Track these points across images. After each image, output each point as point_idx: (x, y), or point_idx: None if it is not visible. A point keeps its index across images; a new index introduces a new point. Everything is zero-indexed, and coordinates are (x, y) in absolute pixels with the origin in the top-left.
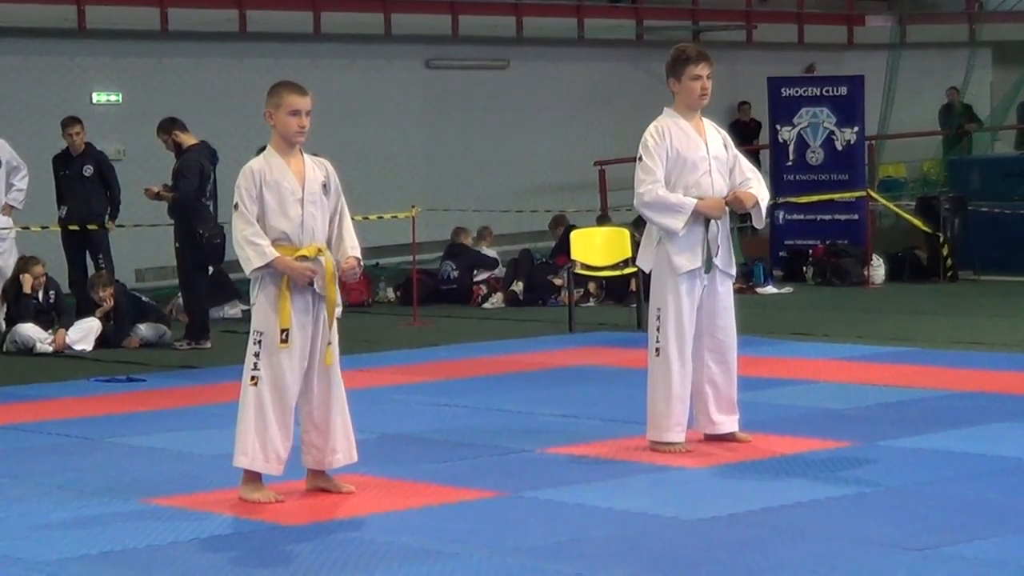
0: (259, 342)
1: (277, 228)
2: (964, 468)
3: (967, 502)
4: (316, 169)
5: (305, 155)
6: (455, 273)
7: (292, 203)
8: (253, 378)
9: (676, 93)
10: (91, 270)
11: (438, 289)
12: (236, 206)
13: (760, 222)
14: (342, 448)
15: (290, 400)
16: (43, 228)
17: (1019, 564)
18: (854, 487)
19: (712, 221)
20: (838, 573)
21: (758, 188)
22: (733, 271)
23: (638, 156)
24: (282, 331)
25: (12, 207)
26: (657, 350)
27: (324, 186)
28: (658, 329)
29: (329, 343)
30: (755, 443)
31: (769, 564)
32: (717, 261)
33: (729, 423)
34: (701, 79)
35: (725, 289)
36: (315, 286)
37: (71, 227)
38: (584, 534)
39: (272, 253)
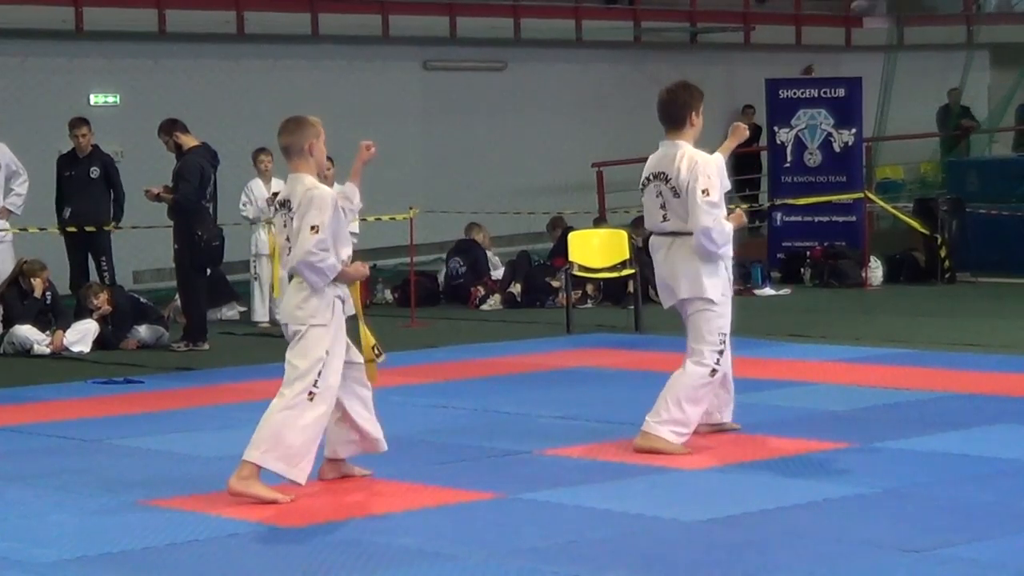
0: (324, 362)
1: (347, 252)
2: (962, 470)
3: (965, 503)
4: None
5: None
6: (463, 269)
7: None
8: (311, 395)
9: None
10: (93, 272)
11: (447, 287)
12: (316, 228)
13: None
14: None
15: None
16: (41, 230)
17: (1017, 566)
18: (852, 488)
19: None
20: (836, 574)
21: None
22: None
23: (702, 184)
24: (374, 348)
25: (10, 211)
26: (714, 371)
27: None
28: (720, 352)
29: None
30: (753, 444)
31: (767, 565)
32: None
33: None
34: None
35: None
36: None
37: (70, 228)
38: (582, 536)
39: (339, 264)
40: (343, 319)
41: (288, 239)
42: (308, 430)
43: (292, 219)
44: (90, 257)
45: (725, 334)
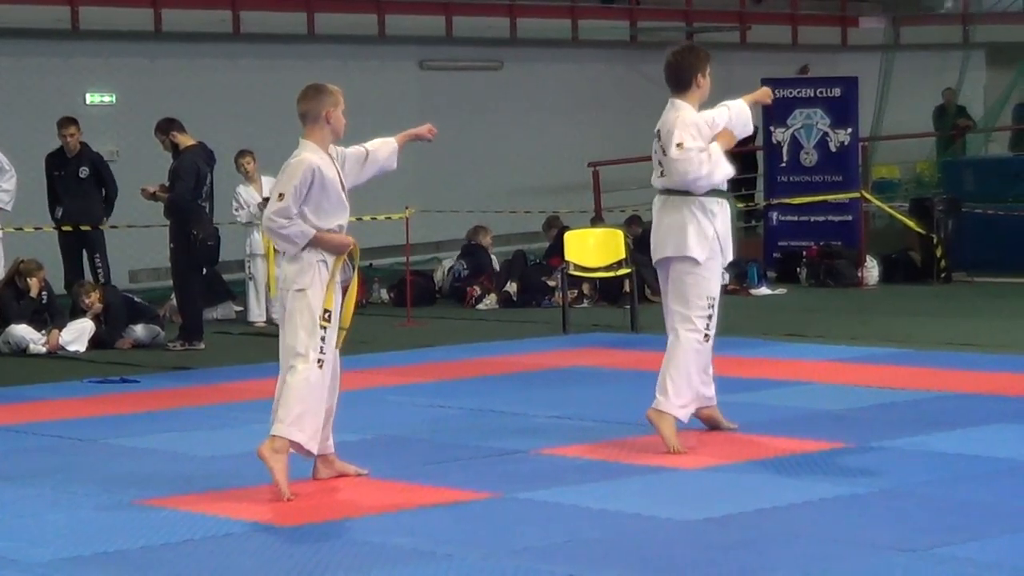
0: (324, 327)
1: (336, 222)
2: (958, 469)
3: (961, 503)
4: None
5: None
6: (466, 272)
7: (343, 196)
8: (320, 361)
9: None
10: (87, 271)
11: (449, 287)
12: (282, 196)
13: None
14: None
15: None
16: (37, 229)
17: (1013, 565)
18: (848, 488)
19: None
20: (832, 574)
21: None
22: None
23: (676, 138)
24: (326, 311)
25: (0, 209)
26: (706, 336)
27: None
28: (709, 317)
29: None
30: (749, 444)
31: (763, 565)
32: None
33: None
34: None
35: None
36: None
37: (64, 228)
38: (578, 535)
39: (310, 231)
40: (337, 284)
41: None
42: (312, 394)
43: None
44: (84, 256)
45: (714, 298)
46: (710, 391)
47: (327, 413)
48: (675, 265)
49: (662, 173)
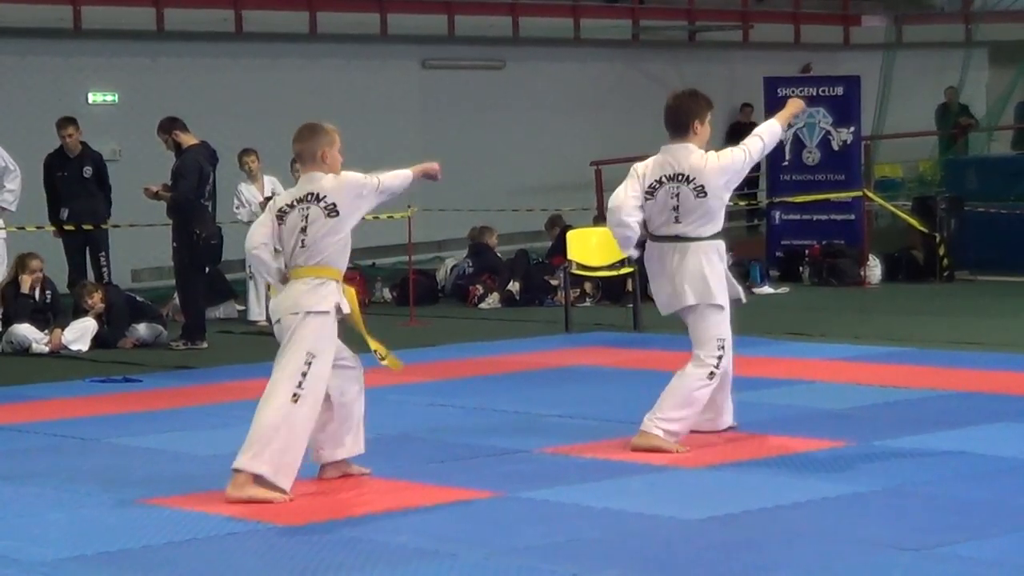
0: (310, 364)
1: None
2: (960, 468)
3: (963, 502)
4: None
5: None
6: (471, 270)
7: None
8: (295, 396)
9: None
10: (91, 270)
11: (453, 285)
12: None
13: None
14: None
15: (315, 420)
16: (39, 228)
17: (1015, 564)
18: (850, 487)
19: None
20: (834, 573)
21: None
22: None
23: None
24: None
25: (4, 208)
26: (712, 374)
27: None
28: (719, 357)
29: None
30: (751, 443)
31: (765, 564)
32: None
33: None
34: None
35: None
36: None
37: (67, 227)
38: (580, 534)
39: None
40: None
41: (304, 231)
42: (293, 432)
43: (322, 210)
44: (88, 255)
45: (724, 338)
46: (719, 421)
47: (356, 418)
48: (697, 310)
49: (677, 219)
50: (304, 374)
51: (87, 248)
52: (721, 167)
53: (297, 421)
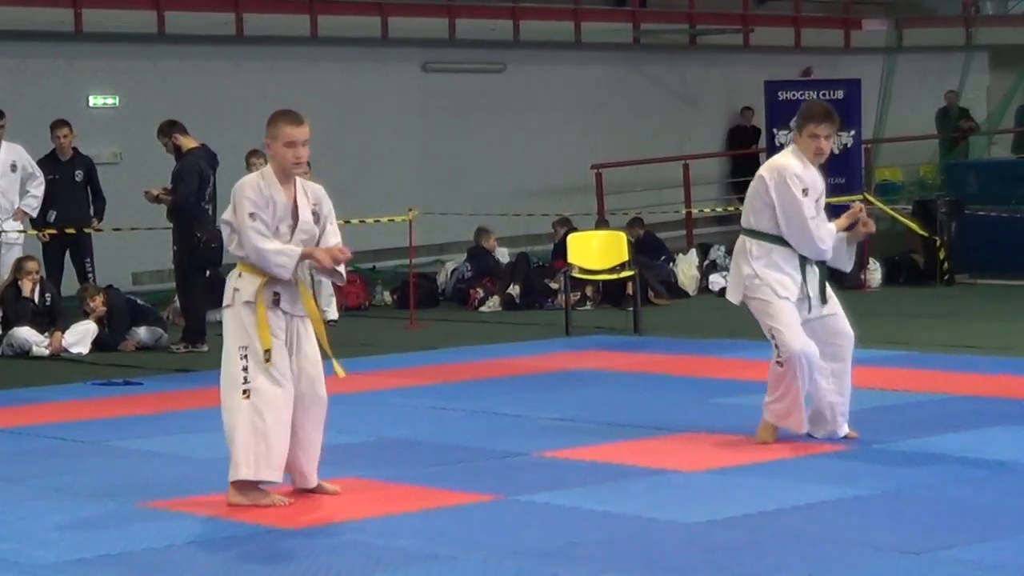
0: (245, 356)
1: None
2: (961, 471)
3: (964, 505)
4: (307, 198)
5: (299, 181)
6: (469, 274)
7: (284, 231)
8: (245, 391)
9: (796, 143)
10: (75, 275)
11: (452, 288)
12: (253, 216)
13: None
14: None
15: (283, 407)
16: (38, 231)
17: (1016, 567)
18: (851, 490)
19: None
20: None
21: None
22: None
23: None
24: (265, 351)
25: (25, 213)
26: (778, 361)
27: (315, 215)
28: (775, 347)
29: (330, 358)
30: (752, 446)
31: (766, 567)
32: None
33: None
34: (819, 138)
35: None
36: (283, 305)
37: (50, 231)
38: (580, 537)
39: (296, 250)
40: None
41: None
42: (243, 426)
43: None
44: (71, 259)
45: (770, 327)
46: (828, 400)
47: (302, 448)
48: None
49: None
50: (245, 368)
51: (69, 252)
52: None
53: (254, 414)
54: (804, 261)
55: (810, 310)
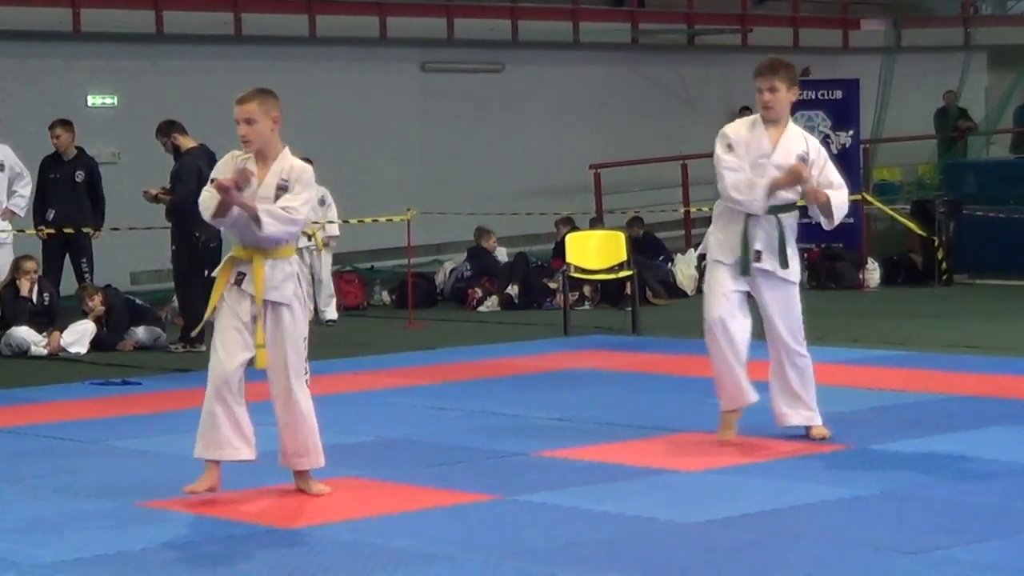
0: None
1: None
2: (960, 472)
3: (963, 506)
4: (279, 176)
5: (283, 160)
6: (469, 274)
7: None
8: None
9: None
10: (72, 275)
11: (451, 288)
12: (213, 180)
13: (829, 224)
14: (310, 451)
15: (233, 385)
16: (36, 231)
17: (1014, 567)
18: (850, 490)
19: (751, 221)
20: None
21: (835, 194)
22: (785, 275)
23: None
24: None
25: (13, 212)
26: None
27: (281, 189)
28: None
29: (261, 346)
30: (751, 446)
31: (765, 567)
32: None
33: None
34: (762, 92)
35: (771, 295)
36: (244, 285)
37: (48, 230)
38: (580, 537)
39: (212, 190)
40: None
41: None
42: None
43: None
44: (69, 259)
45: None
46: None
47: (286, 429)
48: None
49: None
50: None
51: (67, 252)
52: None
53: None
54: (749, 218)
55: (745, 272)
